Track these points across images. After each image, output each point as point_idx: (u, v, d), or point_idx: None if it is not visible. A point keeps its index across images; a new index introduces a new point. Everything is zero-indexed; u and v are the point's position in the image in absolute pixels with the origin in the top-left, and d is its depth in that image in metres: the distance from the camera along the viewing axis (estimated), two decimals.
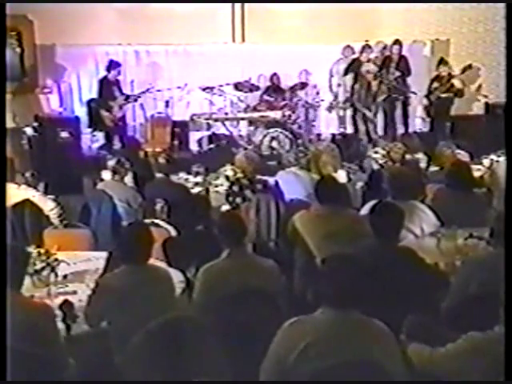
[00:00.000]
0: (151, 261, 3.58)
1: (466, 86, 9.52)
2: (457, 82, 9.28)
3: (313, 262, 3.99)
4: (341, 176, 6.18)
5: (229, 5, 10.25)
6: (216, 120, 9.64)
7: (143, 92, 9.42)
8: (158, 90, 9.58)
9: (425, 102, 9.56)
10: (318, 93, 10.12)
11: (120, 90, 9.27)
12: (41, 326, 2.90)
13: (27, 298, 3.19)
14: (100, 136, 9.59)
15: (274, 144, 9.21)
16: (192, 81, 9.57)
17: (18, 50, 9.28)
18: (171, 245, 4.30)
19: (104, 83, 9.18)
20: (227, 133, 9.68)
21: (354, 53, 9.97)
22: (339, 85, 10.18)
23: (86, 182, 6.74)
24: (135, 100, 9.43)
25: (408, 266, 3.42)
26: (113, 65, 9.17)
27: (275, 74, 9.99)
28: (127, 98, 9.25)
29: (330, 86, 10.31)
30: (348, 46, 10.09)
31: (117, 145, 9.19)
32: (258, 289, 3.49)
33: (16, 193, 5.17)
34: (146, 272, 3.38)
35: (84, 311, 3.27)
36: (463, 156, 6.72)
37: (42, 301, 3.37)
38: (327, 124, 10.42)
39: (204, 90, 9.51)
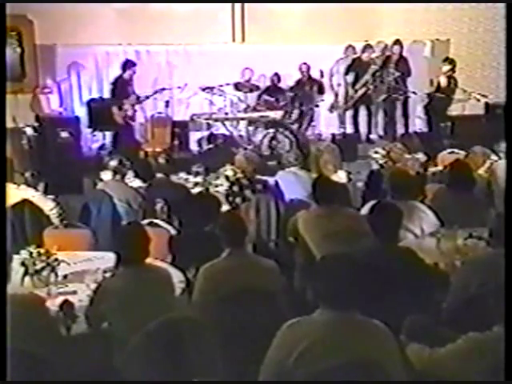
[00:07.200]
0: (151, 261, 3.58)
1: (454, 86, 9.38)
2: (443, 80, 9.21)
3: (313, 261, 3.98)
4: (341, 176, 6.19)
5: (229, 5, 10.26)
6: (216, 120, 9.62)
7: (155, 92, 9.38)
8: (163, 89, 9.51)
9: (425, 101, 9.53)
10: (318, 92, 10.11)
11: (132, 89, 9.23)
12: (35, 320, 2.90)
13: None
14: (100, 136, 9.59)
15: (274, 144, 9.20)
16: (192, 81, 9.56)
17: (18, 49, 9.31)
18: (171, 245, 4.30)
19: (119, 82, 9.11)
20: (227, 133, 9.66)
21: (355, 52, 9.98)
22: (339, 84, 10.19)
23: (86, 182, 6.73)
24: (146, 98, 9.35)
25: (408, 266, 3.42)
26: (128, 64, 9.11)
27: (276, 73, 9.97)
28: (138, 98, 9.21)
29: (331, 86, 10.31)
30: (350, 46, 10.10)
31: (123, 143, 9.12)
32: (258, 289, 3.49)
33: (16, 193, 5.17)
34: (145, 272, 3.37)
35: (85, 312, 3.27)
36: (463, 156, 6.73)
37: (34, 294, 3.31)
38: (327, 124, 10.42)
39: (204, 90, 9.49)
